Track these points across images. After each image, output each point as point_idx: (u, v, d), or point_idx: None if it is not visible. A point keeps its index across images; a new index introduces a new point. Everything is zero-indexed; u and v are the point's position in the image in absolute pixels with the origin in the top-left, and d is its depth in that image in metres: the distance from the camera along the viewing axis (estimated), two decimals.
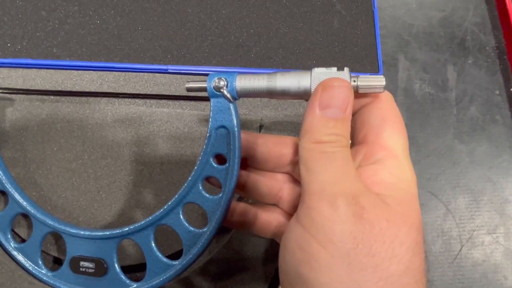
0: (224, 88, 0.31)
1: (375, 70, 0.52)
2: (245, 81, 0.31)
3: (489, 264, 0.51)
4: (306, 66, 0.51)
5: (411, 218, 0.27)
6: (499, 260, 0.51)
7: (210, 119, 0.32)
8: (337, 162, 0.27)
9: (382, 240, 0.25)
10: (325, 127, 0.28)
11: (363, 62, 0.52)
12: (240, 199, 0.42)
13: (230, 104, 0.32)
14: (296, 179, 0.34)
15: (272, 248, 0.44)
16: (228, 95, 0.31)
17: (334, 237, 0.25)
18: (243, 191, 0.35)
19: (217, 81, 0.31)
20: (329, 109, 0.28)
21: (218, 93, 0.31)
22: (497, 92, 0.58)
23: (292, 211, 0.34)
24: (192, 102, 0.48)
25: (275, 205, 0.35)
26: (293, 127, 0.47)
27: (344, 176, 0.27)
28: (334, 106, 0.28)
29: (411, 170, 0.29)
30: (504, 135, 0.56)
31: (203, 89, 0.32)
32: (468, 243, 0.51)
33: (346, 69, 0.30)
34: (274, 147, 0.33)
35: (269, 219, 0.34)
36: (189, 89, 0.33)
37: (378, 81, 0.29)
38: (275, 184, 0.34)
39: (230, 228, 0.43)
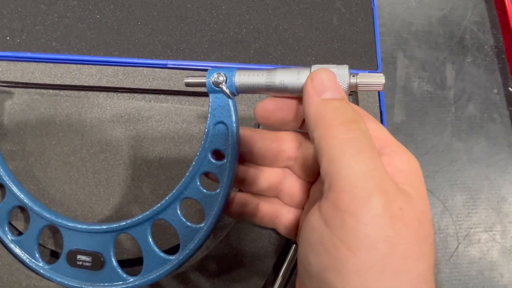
0: (223, 83, 0.31)
1: (374, 68, 0.52)
2: (245, 77, 0.31)
3: (485, 262, 0.51)
4: (305, 62, 0.51)
5: (427, 211, 0.26)
6: (495, 258, 0.51)
7: (209, 115, 0.32)
8: (366, 153, 0.25)
9: (414, 241, 0.24)
10: (333, 108, 0.27)
11: (362, 60, 0.52)
12: (240, 190, 0.42)
13: (229, 100, 0.32)
14: (295, 173, 0.34)
15: (270, 243, 0.44)
16: (227, 91, 0.31)
17: (367, 243, 0.23)
18: (242, 185, 0.35)
19: (216, 76, 0.31)
20: (327, 92, 0.27)
21: (217, 88, 0.31)
22: (495, 91, 0.58)
23: (292, 204, 0.34)
24: (191, 97, 0.48)
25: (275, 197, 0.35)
26: None
27: (375, 169, 0.24)
28: (329, 89, 0.27)
29: (411, 154, 0.28)
30: (501, 134, 0.56)
31: (202, 85, 0.32)
32: (464, 241, 0.52)
33: (345, 65, 0.30)
34: (273, 142, 0.33)
35: (270, 210, 0.34)
36: (188, 84, 0.33)
37: (377, 78, 0.29)
38: (274, 178, 0.34)
39: (231, 218, 0.43)
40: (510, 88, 0.58)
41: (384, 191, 0.24)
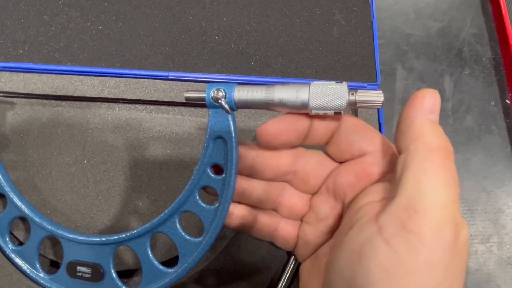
0: (222, 99, 0.31)
1: (373, 80, 0.52)
2: (244, 93, 0.31)
3: (482, 273, 0.51)
4: (305, 74, 0.52)
5: None
6: (492, 270, 0.51)
7: (208, 129, 0.32)
8: (453, 187, 0.25)
9: (462, 270, 0.25)
10: (437, 131, 0.27)
11: (361, 71, 0.53)
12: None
13: (228, 115, 0.32)
14: (294, 186, 0.35)
15: (269, 255, 0.44)
16: (226, 106, 0.31)
17: (427, 268, 0.24)
18: (240, 198, 0.35)
19: (215, 92, 0.31)
20: (434, 113, 0.27)
21: (216, 104, 0.31)
22: (493, 103, 0.59)
23: (291, 216, 0.35)
24: (192, 109, 0.49)
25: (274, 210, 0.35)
26: None
27: (455, 203, 0.25)
28: (436, 112, 0.27)
29: None
30: (499, 145, 0.57)
31: (202, 100, 0.32)
32: None
33: (344, 82, 0.30)
34: (271, 157, 0.33)
35: (268, 222, 0.34)
36: (187, 99, 0.33)
37: (377, 96, 0.29)
38: (273, 191, 0.34)
39: (229, 229, 0.43)
40: (507, 101, 0.59)
41: (456, 223, 0.24)
